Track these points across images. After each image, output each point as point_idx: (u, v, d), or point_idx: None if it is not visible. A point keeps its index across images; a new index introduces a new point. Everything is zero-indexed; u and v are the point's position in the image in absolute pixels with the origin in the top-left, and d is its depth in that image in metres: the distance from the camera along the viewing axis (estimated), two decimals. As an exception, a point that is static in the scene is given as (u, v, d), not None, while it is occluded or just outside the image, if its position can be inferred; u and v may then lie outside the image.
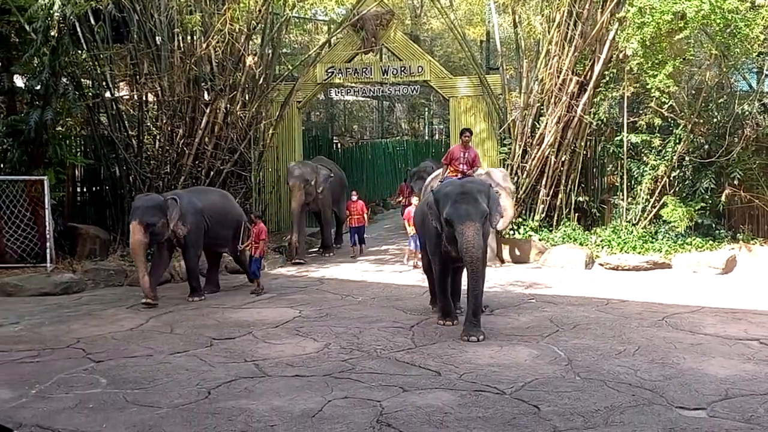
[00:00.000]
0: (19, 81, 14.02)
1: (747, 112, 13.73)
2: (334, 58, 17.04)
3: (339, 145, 25.65)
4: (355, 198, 15.38)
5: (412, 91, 19.42)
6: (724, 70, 14.08)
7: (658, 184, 14.28)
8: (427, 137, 33.50)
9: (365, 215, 15.44)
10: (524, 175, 14.87)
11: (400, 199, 18.16)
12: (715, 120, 14.25)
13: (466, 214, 8.23)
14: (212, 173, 14.88)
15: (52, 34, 12.53)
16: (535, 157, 14.87)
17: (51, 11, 12.03)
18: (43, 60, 12.58)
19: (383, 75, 17.04)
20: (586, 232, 14.56)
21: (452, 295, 9.35)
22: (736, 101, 13.77)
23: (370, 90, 18.87)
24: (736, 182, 13.73)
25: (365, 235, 15.60)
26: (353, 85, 17.77)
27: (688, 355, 7.62)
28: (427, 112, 33.78)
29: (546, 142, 14.73)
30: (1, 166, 13.53)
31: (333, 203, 15.60)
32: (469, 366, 7.31)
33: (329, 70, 16.87)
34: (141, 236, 10.12)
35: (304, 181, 14.21)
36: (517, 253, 14.03)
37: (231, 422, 5.81)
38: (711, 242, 13.56)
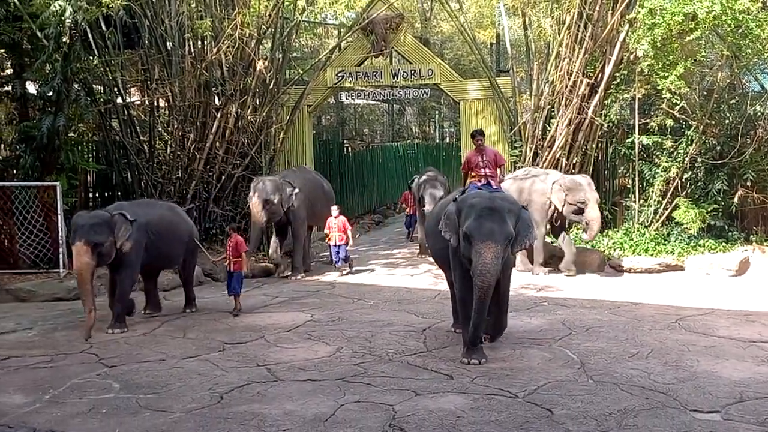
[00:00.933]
0: (31, 87, 14.08)
1: (759, 113, 13.70)
2: (345, 62, 17.07)
3: (349, 148, 25.66)
4: (336, 213, 13.61)
5: (423, 95, 19.38)
6: (736, 70, 14.03)
7: (670, 185, 14.23)
8: (437, 140, 33.51)
9: (348, 232, 13.56)
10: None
11: (407, 208, 17.89)
12: (727, 121, 14.20)
13: (488, 233, 7.25)
14: (223, 178, 14.95)
15: (64, 40, 12.61)
16: (546, 159, 14.84)
17: (62, 18, 12.06)
18: (54, 66, 12.63)
19: (393, 78, 17.06)
20: (598, 234, 14.50)
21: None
22: (749, 102, 13.75)
23: (380, 93, 18.88)
24: (748, 183, 13.67)
25: (347, 252, 13.65)
26: (363, 88, 17.78)
27: (702, 357, 7.58)
28: (437, 116, 33.82)
29: (557, 145, 14.70)
30: (14, 172, 13.61)
31: (313, 218, 14.07)
32: (482, 369, 7.30)
33: (339, 74, 16.91)
34: (88, 258, 8.79)
35: (263, 201, 12.79)
36: (529, 256, 13.97)
37: (243, 427, 5.82)
38: (724, 244, 13.49)
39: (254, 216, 13.02)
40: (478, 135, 9.32)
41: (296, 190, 13.28)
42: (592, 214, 12.44)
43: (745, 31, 12.20)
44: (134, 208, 9.73)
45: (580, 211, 12.50)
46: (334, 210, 13.70)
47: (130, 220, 9.25)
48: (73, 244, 8.96)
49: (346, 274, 13.46)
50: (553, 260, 13.43)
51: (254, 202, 12.93)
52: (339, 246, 13.46)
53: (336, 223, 13.50)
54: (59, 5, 11.90)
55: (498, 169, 9.25)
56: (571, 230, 13.99)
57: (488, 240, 7.22)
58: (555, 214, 12.79)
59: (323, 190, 14.74)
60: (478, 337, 7.50)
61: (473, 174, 9.02)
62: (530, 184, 13.03)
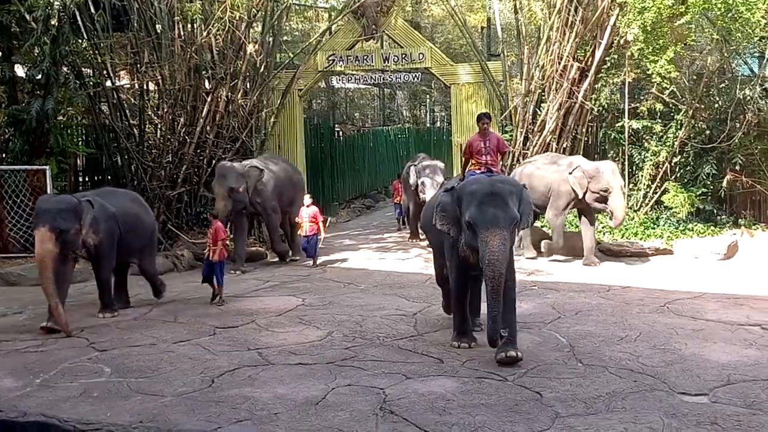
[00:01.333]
0: (20, 71, 13.99)
1: (749, 97, 13.73)
2: (335, 45, 17.01)
3: (340, 133, 25.59)
4: (308, 202, 12.95)
5: (414, 79, 19.34)
6: (726, 55, 14.05)
7: (660, 170, 14.28)
8: (428, 125, 33.47)
9: (320, 223, 12.85)
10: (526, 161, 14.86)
11: (396, 197, 17.33)
12: (716, 105, 14.25)
13: (493, 219, 6.82)
14: (214, 162, 14.86)
15: (53, 23, 12.52)
16: (536, 143, 14.86)
17: (51, 0, 12.00)
18: (43, 49, 12.54)
19: (384, 62, 17.02)
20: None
21: (470, 308, 7.99)
22: (738, 86, 13.77)
23: (371, 77, 18.86)
24: (737, 168, 13.73)
25: (316, 247, 12.95)
26: (354, 72, 17.76)
27: (690, 340, 7.62)
28: (428, 100, 33.74)
29: (547, 129, 14.71)
30: (3, 156, 13.57)
31: (284, 206, 13.37)
32: (472, 353, 7.31)
33: (330, 58, 16.84)
34: (51, 246, 8.13)
35: (228, 188, 12.26)
36: (519, 240, 13.94)
37: (235, 410, 5.82)
38: (712, 228, 13.57)
39: (218, 204, 12.38)
40: (484, 118, 8.45)
41: (264, 175, 12.79)
42: (616, 202, 12.02)
43: (735, 15, 12.20)
44: (101, 198, 9.23)
45: (603, 200, 12.07)
46: (306, 199, 13.09)
47: (110, 212, 9.05)
48: (36, 230, 8.32)
49: (315, 266, 12.81)
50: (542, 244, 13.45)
51: (218, 190, 12.39)
52: (309, 237, 12.76)
53: (307, 213, 12.80)
54: (48, -12, 11.83)
55: (499, 156, 8.52)
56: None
57: (494, 227, 6.80)
58: (576, 201, 12.38)
59: (292, 179, 14.02)
60: (497, 332, 6.77)
61: (473, 161, 8.21)
62: (552, 171, 12.69)
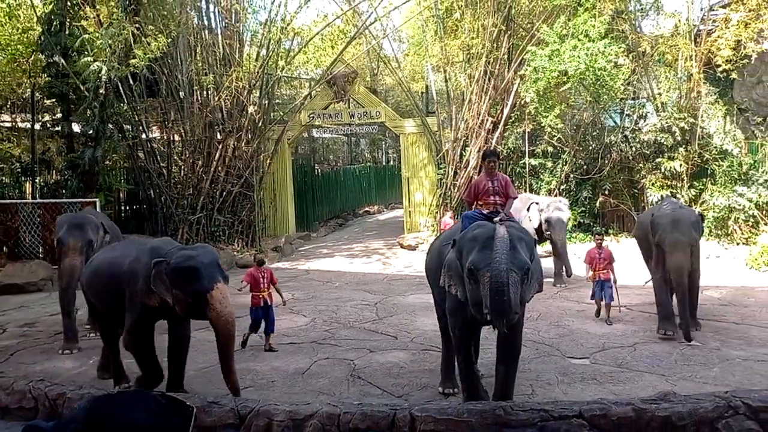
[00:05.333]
0: (76, 127, 13.75)
1: (613, 142, 14.04)
2: (314, 106, 17.00)
3: (319, 170, 25.49)
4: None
5: (372, 130, 19.41)
6: (596, 111, 14.38)
7: (552, 195, 14.47)
8: (384, 163, 33.57)
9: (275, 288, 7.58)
10: (455, 190, 14.99)
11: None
12: (591, 148, 14.52)
13: (497, 262, 4.09)
14: (224, 193, 14.71)
15: (101, 91, 12.39)
16: (462, 176, 14.97)
17: (99, 75, 11.96)
18: (94, 111, 12.42)
19: (351, 118, 17.04)
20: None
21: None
22: (606, 134, 14.08)
23: (341, 129, 18.79)
24: (606, 192, 14.02)
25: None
26: (329, 125, 17.71)
27: (576, 318, 7.75)
28: (384, 145, 33.83)
29: (470, 166, 14.85)
30: (63, 192, 13.31)
31: None
32: (419, 332, 7.33)
33: (311, 115, 16.83)
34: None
35: (87, 242, 7.15)
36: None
37: (242, 380, 5.73)
38: (590, 236, 13.77)
39: (71, 260, 7.09)
40: (491, 156, 5.59)
41: (108, 236, 7.59)
42: (552, 237, 9.59)
43: (602, 83, 12.52)
44: None
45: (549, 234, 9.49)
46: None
47: None
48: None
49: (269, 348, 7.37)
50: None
51: (73, 243, 7.11)
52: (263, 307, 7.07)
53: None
54: (97, 65, 11.85)
55: (509, 200, 5.50)
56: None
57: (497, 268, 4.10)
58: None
59: (118, 234, 8.32)
60: (509, 394, 4.31)
61: (480, 203, 5.44)
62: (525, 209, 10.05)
